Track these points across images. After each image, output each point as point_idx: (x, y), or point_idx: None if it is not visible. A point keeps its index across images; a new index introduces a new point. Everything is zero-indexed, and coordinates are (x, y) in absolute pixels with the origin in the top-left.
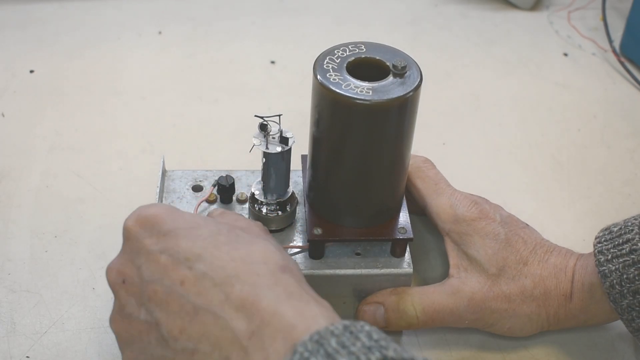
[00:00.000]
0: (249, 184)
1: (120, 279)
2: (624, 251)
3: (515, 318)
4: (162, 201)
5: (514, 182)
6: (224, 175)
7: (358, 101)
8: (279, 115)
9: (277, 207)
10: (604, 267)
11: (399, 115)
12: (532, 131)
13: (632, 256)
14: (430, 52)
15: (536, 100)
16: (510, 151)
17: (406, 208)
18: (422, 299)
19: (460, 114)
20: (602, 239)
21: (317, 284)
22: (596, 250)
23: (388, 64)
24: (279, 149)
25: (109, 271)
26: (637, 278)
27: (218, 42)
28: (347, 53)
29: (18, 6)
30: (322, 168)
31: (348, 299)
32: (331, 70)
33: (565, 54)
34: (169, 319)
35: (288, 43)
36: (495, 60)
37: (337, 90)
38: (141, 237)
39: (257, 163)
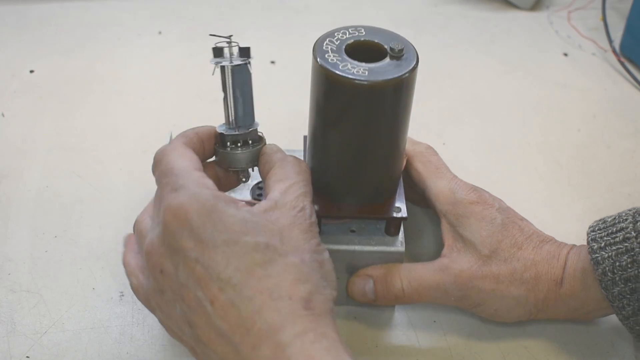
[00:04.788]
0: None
1: (159, 268)
2: (617, 239)
3: (503, 300)
4: None
5: (514, 182)
6: None
7: (354, 81)
8: (230, 36)
9: (250, 141)
10: (597, 255)
11: (394, 96)
12: (532, 131)
13: (625, 244)
14: (430, 52)
15: (536, 100)
16: (510, 151)
17: (402, 189)
18: (409, 273)
19: (460, 114)
20: (596, 228)
21: None
22: (589, 238)
23: (386, 47)
24: (248, 66)
25: (148, 254)
26: (629, 266)
27: (218, 42)
28: (347, 36)
29: (18, 6)
30: (319, 147)
31: (341, 274)
32: (330, 51)
33: (565, 54)
34: (199, 325)
35: (288, 43)
36: (495, 60)
37: (334, 70)
38: (179, 235)
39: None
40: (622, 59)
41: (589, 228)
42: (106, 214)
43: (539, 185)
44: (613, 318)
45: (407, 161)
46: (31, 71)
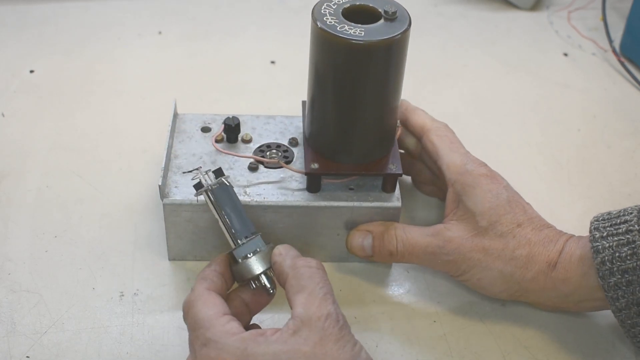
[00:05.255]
0: (254, 127)
1: None
2: (620, 230)
3: (487, 271)
4: (172, 140)
5: (514, 182)
6: (231, 116)
7: (351, 41)
8: (199, 167)
9: (257, 248)
10: (598, 243)
11: (388, 55)
12: (532, 131)
13: (628, 236)
14: (430, 52)
15: (536, 100)
16: (510, 151)
17: (397, 149)
18: (404, 233)
19: (460, 114)
20: (600, 218)
21: (313, 215)
22: (592, 227)
23: (380, 10)
24: (226, 182)
25: None
26: (628, 257)
27: (218, 42)
28: (343, 0)
29: (18, 6)
30: (318, 110)
31: (341, 231)
32: (328, 15)
33: (565, 54)
34: None
35: (288, 43)
36: (495, 60)
37: (332, 32)
38: None
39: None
40: (622, 59)
41: (593, 218)
42: (106, 214)
43: (539, 185)
44: (613, 318)
45: (424, 135)
46: (31, 71)
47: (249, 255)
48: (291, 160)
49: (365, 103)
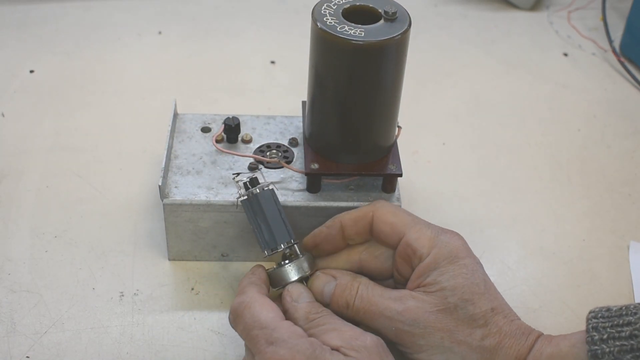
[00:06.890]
0: (254, 127)
1: None
2: (623, 334)
3: (450, 354)
4: (172, 140)
5: (514, 182)
6: (231, 117)
7: (352, 41)
8: (236, 174)
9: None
10: (597, 347)
11: (389, 55)
12: (532, 131)
13: (632, 342)
14: (430, 52)
15: (536, 100)
16: (510, 151)
17: (397, 149)
18: (367, 288)
19: (460, 114)
20: (599, 315)
21: (313, 215)
22: (590, 326)
23: (380, 10)
24: (253, 192)
25: None
26: None
27: (218, 42)
28: (343, 0)
29: (18, 6)
30: (318, 110)
31: None
32: (328, 15)
33: (565, 54)
34: None
35: (288, 43)
36: (495, 60)
37: (332, 32)
38: None
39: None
40: (622, 59)
41: (590, 313)
42: (106, 214)
43: (539, 185)
44: None
45: (373, 220)
46: (31, 71)
47: (274, 267)
48: (291, 160)
49: (365, 103)
